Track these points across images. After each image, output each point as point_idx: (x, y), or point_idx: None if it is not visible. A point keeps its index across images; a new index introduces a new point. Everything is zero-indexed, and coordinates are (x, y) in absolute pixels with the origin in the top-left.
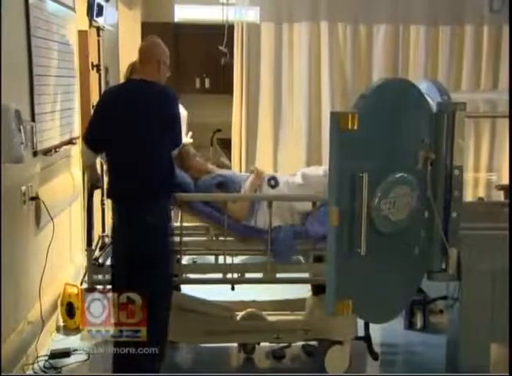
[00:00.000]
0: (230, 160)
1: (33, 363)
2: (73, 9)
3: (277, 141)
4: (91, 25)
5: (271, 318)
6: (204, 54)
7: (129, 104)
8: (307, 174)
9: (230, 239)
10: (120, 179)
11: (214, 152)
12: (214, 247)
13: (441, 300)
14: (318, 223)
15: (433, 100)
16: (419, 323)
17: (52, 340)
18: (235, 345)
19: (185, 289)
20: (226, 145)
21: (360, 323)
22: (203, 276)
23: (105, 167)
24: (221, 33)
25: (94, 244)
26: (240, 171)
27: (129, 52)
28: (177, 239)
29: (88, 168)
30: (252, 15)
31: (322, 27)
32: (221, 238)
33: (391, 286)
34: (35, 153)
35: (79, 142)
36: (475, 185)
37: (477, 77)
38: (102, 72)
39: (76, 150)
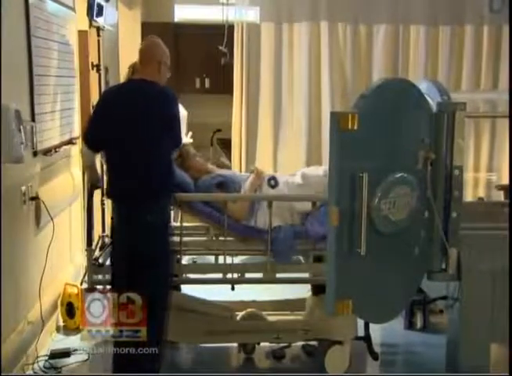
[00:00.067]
0: (230, 160)
1: (33, 363)
2: (73, 9)
3: (277, 141)
4: (91, 25)
5: (271, 318)
6: (204, 54)
7: (129, 104)
8: (307, 174)
9: (230, 239)
10: (120, 179)
11: (214, 152)
12: (214, 247)
13: (441, 300)
14: (318, 223)
15: (433, 100)
16: (419, 323)
17: (52, 340)
18: (235, 345)
19: (185, 289)
20: (226, 145)
21: (360, 323)
22: (203, 276)
23: (105, 167)
24: (221, 33)
25: (94, 243)
26: (240, 171)
27: (129, 52)
28: (177, 239)
29: (88, 167)
30: (252, 15)
31: (322, 27)
32: (221, 238)
33: (391, 286)
34: (35, 153)
35: (79, 142)
36: (475, 185)
37: (477, 77)
38: (102, 72)
39: (76, 150)
